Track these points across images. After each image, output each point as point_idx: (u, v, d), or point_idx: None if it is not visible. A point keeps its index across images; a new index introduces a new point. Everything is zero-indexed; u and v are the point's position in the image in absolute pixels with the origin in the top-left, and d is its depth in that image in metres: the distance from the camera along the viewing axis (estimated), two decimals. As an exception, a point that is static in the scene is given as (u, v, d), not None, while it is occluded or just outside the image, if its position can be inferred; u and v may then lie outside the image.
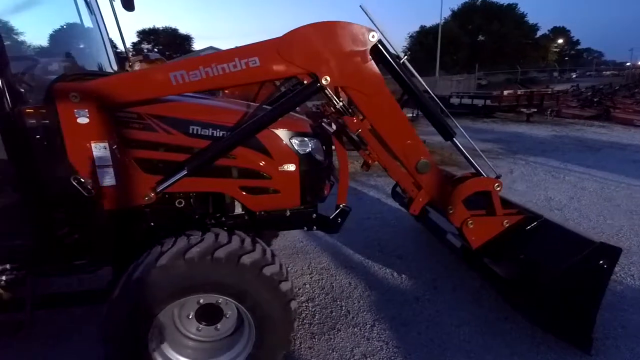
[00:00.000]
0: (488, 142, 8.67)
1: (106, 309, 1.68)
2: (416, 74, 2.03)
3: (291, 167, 2.13)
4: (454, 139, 2.15)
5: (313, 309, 2.69)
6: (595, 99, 14.42)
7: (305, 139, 2.20)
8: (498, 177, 2.25)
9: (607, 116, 12.17)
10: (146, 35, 50.32)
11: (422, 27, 46.44)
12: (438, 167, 2.17)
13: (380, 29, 1.86)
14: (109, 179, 1.82)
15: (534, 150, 7.96)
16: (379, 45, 1.87)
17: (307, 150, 2.18)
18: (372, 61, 1.87)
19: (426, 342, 2.31)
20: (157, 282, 1.65)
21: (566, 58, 59.20)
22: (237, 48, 1.81)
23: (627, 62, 50.02)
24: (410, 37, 48.18)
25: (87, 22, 2.68)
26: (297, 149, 2.15)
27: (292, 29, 1.80)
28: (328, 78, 1.84)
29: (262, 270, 1.77)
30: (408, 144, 2.05)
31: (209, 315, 1.95)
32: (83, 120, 1.72)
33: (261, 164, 2.09)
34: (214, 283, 1.72)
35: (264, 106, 2.14)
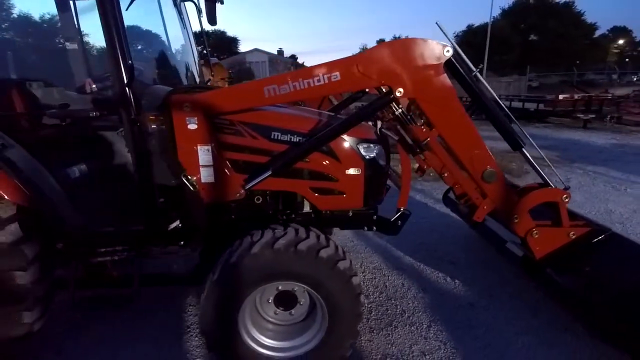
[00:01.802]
0: (542, 149, 8.30)
1: (206, 289, 1.95)
2: (488, 86, 2.13)
3: (357, 171, 2.32)
4: (523, 149, 2.22)
5: (369, 306, 2.84)
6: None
7: (371, 145, 2.37)
8: (566, 188, 2.29)
9: (677, 125, 11.23)
10: (196, 37, 52.72)
11: (470, 26, 44.92)
12: (504, 176, 2.25)
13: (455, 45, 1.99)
14: (209, 177, 2.10)
15: (592, 159, 7.57)
16: (453, 59, 2.00)
17: (372, 155, 2.36)
18: (445, 74, 2.01)
19: (483, 347, 2.40)
20: (249, 268, 1.90)
21: (627, 60, 54.59)
22: (320, 65, 2.02)
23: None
24: (456, 36, 46.74)
25: (178, 35, 3.02)
26: (363, 154, 2.33)
27: (372, 46, 1.99)
28: (402, 90, 2.00)
29: (336, 264, 1.97)
30: (476, 153, 2.16)
31: (285, 301, 2.18)
32: (192, 126, 2.01)
33: (330, 167, 2.29)
34: (296, 272, 1.94)
35: (338, 115, 2.33)
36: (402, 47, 1.97)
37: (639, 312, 2.05)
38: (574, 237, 2.33)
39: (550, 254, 2.34)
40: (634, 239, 2.36)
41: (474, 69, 2.07)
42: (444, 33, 2.05)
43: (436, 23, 2.07)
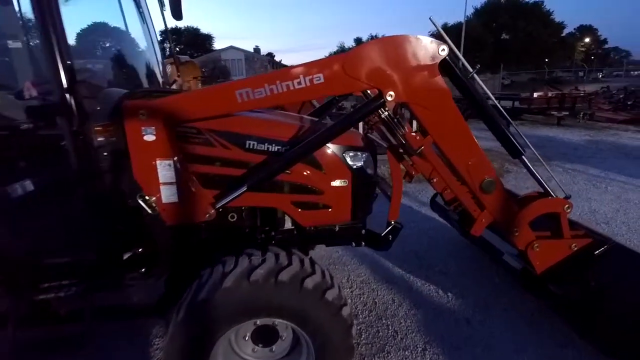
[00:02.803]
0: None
1: (171, 330, 1.65)
2: (485, 88, 1.93)
3: (343, 182, 2.09)
4: (523, 157, 2.03)
5: (358, 327, 2.61)
6: (629, 102, 13.81)
7: (358, 153, 2.14)
8: (567, 197, 2.12)
9: (644, 120, 11.63)
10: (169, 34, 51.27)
11: (444, 25, 45.66)
12: (503, 186, 2.06)
13: (449, 42, 1.77)
14: (172, 196, 1.80)
15: (569, 157, 7.65)
16: (448, 59, 1.79)
17: (359, 164, 2.13)
18: (440, 76, 1.79)
19: (484, 369, 2.22)
20: (221, 304, 1.61)
21: (592, 57, 57.09)
22: (301, 65, 1.76)
23: (659, 62, 47.78)
24: (431, 35, 47.42)
25: (138, 30, 2.68)
26: (349, 163, 2.10)
27: (359, 45, 1.74)
28: (392, 94, 1.77)
29: (324, 294, 1.71)
30: (473, 162, 1.95)
31: (264, 336, 1.91)
32: (149, 137, 1.70)
33: (314, 179, 2.05)
34: (277, 306, 1.67)
35: (321, 121, 2.08)
36: (392, 45, 1.73)
37: None
38: (575, 249, 2.17)
39: (551, 268, 2.18)
40: (636, 249, 2.22)
41: (470, 69, 1.86)
42: (438, 29, 1.83)
43: (429, 18, 1.84)
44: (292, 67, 1.76)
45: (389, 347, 2.42)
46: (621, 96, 15.51)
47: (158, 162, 1.75)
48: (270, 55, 61.09)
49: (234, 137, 1.94)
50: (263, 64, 49.77)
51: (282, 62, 70.34)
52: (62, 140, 1.81)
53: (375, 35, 55.46)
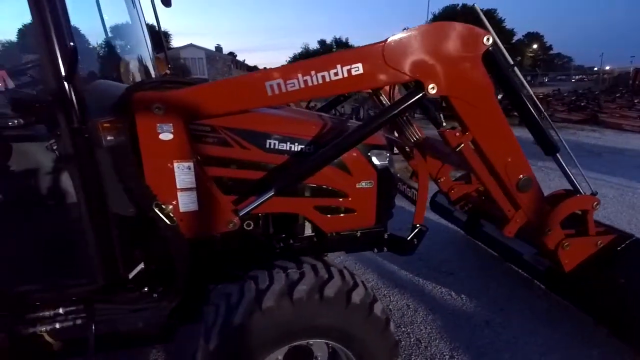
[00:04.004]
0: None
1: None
2: (525, 82, 1.86)
3: (369, 184, 1.93)
4: (557, 154, 1.98)
5: (378, 336, 2.46)
6: (582, 103, 14.87)
7: (383, 152, 1.99)
8: (594, 194, 2.10)
9: (595, 120, 12.53)
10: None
11: (405, 30, 47.08)
12: (539, 185, 2.00)
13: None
14: (191, 204, 1.55)
15: (538, 155, 7.90)
16: (491, 50, 1.68)
17: (385, 164, 1.98)
18: (484, 68, 1.68)
19: (516, 374, 2.14)
20: (261, 328, 1.39)
21: (539, 62, 61.40)
22: (338, 53, 1.58)
23: (595, 67, 52.33)
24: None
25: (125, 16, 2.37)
26: (375, 163, 1.94)
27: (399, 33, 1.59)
28: (435, 86, 1.63)
29: (372, 308, 1.54)
30: (512, 160, 1.87)
31: (295, 357, 1.70)
32: (166, 136, 1.44)
33: (339, 181, 1.88)
34: (324, 326, 1.47)
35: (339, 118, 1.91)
36: (436, 33, 1.60)
37: None
38: (601, 245, 2.16)
39: (579, 265, 2.15)
40: None
41: (511, 61, 1.77)
42: (483, 18, 1.73)
43: (474, 5, 1.73)
44: (328, 56, 1.58)
45: (415, 357, 2.29)
46: (573, 98, 16.69)
47: (175, 164, 1.50)
48: (232, 54, 59.74)
49: (254, 136, 1.72)
50: (226, 64, 48.46)
51: (246, 61, 69.22)
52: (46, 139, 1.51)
53: (339, 38, 56.05)
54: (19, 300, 1.50)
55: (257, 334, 1.39)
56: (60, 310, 1.56)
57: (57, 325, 1.54)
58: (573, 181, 2.09)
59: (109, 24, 2.27)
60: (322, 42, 56.16)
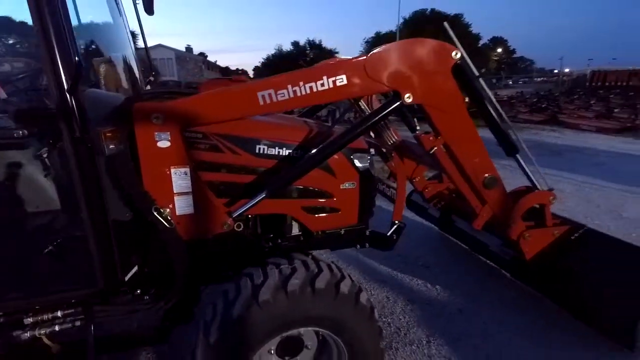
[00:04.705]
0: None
1: (200, 354, 1.50)
2: (489, 90, 2.08)
3: (352, 185, 2.09)
4: (517, 155, 2.22)
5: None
6: (542, 105, 15.79)
7: (364, 154, 2.16)
8: (551, 189, 2.36)
9: (555, 121, 13.37)
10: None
11: (377, 34, 48.05)
12: (502, 182, 2.23)
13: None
14: (187, 208, 1.64)
15: (501, 154, 8.46)
16: (459, 63, 1.88)
17: (366, 166, 2.15)
18: (453, 79, 1.88)
19: (485, 356, 2.35)
20: (258, 319, 1.51)
21: (503, 66, 64.22)
22: (324, 66, 1.73)
23: (555, 70, 55.33)
24: (366, 42, 49.65)
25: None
26: (357, 165, 2.10)
27: (379, 48, 1.76)
28: (411, 95, 1.82)
29: (358, 297, 1.69)
30: (478, 160, 2.09)
31: (289, 348, 1.83)
32: (164, 143, 1.54)
33: (325, 182, 2.02)
34: (316, 315, 1.61)
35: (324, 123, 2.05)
36: (411, 48, 1.78)
37: (617, 299, 2.19)
38: (557, 235, 2.42)
39: (538, 254, 2.41)
40: (607, 232, 2.55)
41: (477, 73, 1.98)
42: (451, 35, 1.92)
43: (444, 24, 1.92)
44: (314, 68, 1.73)
45: (395, 344, 2.46)
46: (534, 100, 17.68)
47: (173, 170, 1.59)
48: (203, 55, 58.70)
49: (244, 142, 1.84)
50: (197, 65, 47.54)
51: (217, 62, 68.18)
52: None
53: (313, 40, 56.34)
54: (19, 305, 1.54)
55: (255, 325, 1.51)
56: (59, 314, 1.61)
57: (57, 328, 1.59)
58: (531, 178, 2.34)
59: (93, 28, 2.30)
60: (295, 44, 56.28)
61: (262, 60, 59.67)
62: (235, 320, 1.49)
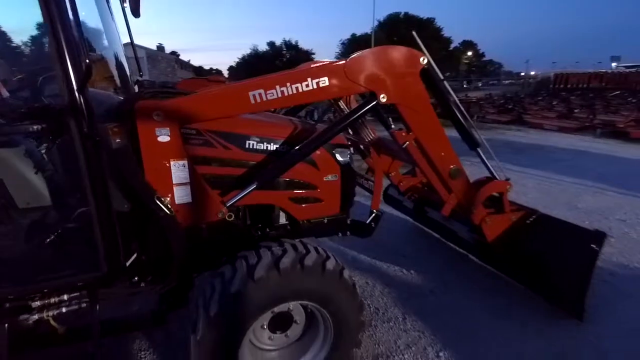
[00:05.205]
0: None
1: (201, 327, 1.66)
2: (452, 92, 2.35)
3: (334, 177, 2.31)
4: (478, 149, 2.50)
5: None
6: (509, 106, 16.64)
7: (344, 149, 2.39)
8: (507, 179, 2.67)
9: (520, 121, 14.15)
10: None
11: (353, 36, 48.74)
12: (465, 172, 2.51)
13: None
14: (185, 197, 1.81)
15: (471, 152, 8.98)
16: (426, 68, 2.14)
17: (346, 160, 2.38)
18: (421, 81, 2.14)
19: (456, 327, 2.62)
20: (254, 294, 1.69)
21: (473, 68, 66.63)
22: (308, 69, 1.93)
23: (521, 72, 57.87)
24: (342, 43, 50.23)
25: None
26: (338, 159, 2.33)
27: (357, 53, 1.99)
28: (385, 96, 2.06)
29: (342, 274, 1.91)
30: (445, 154, 2.35)
31: (279, 324, 2.02)
32: (164, 138, 1.70)
33: (310, 175, 2.23)
34: (305, 290, 1.81)
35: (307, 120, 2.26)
36: (385, 54, 2.02)
37: (568, 274, 2.52)
38: (514, 219, 2.73)
39: (498, 237, 2.71)
40: (557, 216, 2.89)
41: (442, 77, 2.25)
42: (419, 43, 2.18)
43: (412, 33, 2.17)
44: (299, 71, 1.93)
45: (375, 322, 2.70)
46: (502, 101, 18.59)
47: (172, 163, 1.76)
48: (175, 54, 57.53)
49: (234, 138, 2.02)
50: (170, 64, 46.59)
51: (191, 62, 66.87)
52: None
53: (289, 40, 56.36)
54: (30, 289, 1.65)
55: (251, 299, 1.69)
56: (65, 297, 1.73)
57: (64, 310, 1.71)
58: (491, 170, 2.64)
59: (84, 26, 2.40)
60: (271, 44, 56.12)
61: (238, 60, 59.08)
62: (233, 295, 1.67)
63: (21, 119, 1.55)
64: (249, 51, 56.72)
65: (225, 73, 64.72)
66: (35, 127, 1.49)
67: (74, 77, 1.48)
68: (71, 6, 1.43)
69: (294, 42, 56.11)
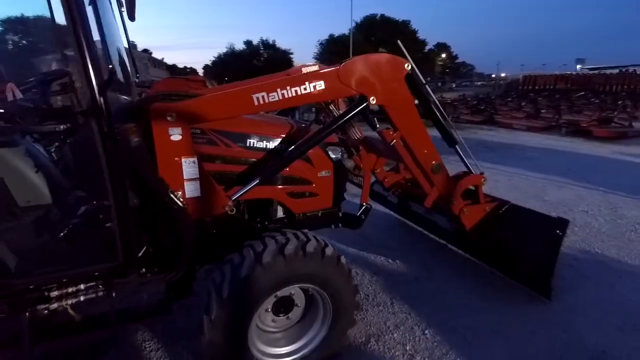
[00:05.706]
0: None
1: (215, 310, 1.81)
2: (433, 95, 2.60)
3: (327, 173, 2.52)
4: (456, 146, 2.77)
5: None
6: (481, 107, 17.38)
7: (336, 147, 2.61)
8: (482, 173, 2.95)
9: (492, 121, 14.84)
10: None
11: (331, 36, 49.15)
12: (446, 168, 2.77)
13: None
14: (195, 191, 1.96)
15: (447, 150, 9.41)
16: (410, 73, 2.38)
17: (338, 157, 2.60)
18: (406, 85, 2.37)
19: (439, 309, 2.88)
20: (262, 278, 1.87)
21: (447, 70, 68.60)
22: (305, 74, 2.12)
23: (492, 74, 60.10)
24: (320, 44, 50.55)
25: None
26: (331, 156, 2.54)
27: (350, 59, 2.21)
28: (374, 98, 2.28)
29: (339, 260, 2.11)
30: (427, 151, 2.60)
31: (281, 307, 2.20)
32: (176, 137, 1.85)
33: (306, 171, 2.43)
34: (307, 274, 2.00)
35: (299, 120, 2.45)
36: (374, 61, 2.24)
37: (536, 257, 2.81)
38: (488, 210, 3.02)
39: (475, 225, 2.99)
40: (528, 206, 3.20)
41: (424, 81, 2.49)
42: (404, 51, 2.41)
43: (397, 41, 2.41)
44: (299, 76, 2.11)
45: (365, 307, 2.92)
46: (474, 102, 19.37)
47: (183, 159, 1.90)
48: (147, 51, 56.11)
49: (236, 137, 2.20)
50: (142, 62, 45.44)
51: (165, 59, 65.34)
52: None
53: (266, 39, 56.11)
54: (51, 278, 1.75)
55: (259, 282, 1.87)
56: (82, 286, 1.85)
57: (81, 298, 1.83)
58: (468, 165, 2.92)
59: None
60: (248, 43, 55.70)
61: (213, 59, 58.21)
62: (243, 279, 1.84)
63: (44, 119, 1.66)
64: (225, 50, 56.18)
65: (200, 72, 63.69)
66: (60, 126, 1.60)
67: (95, 80, 1.61)
68: (94, 12, 1.56)
69: (271, 42, 56.00)
